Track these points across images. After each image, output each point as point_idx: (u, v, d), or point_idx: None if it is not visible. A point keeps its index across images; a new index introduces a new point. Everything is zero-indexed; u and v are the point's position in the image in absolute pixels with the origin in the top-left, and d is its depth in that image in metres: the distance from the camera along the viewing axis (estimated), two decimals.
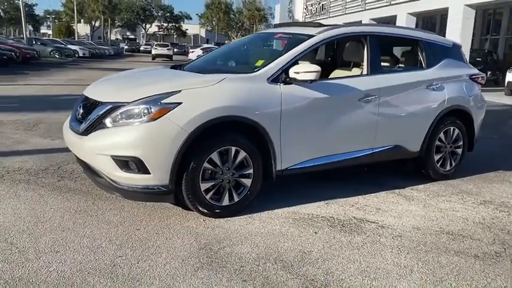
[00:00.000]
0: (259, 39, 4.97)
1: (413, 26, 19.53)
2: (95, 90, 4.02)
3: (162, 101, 3.43)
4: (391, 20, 20.87)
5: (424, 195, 4.59)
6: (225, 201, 3.70)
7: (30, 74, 17.34)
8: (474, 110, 5.18)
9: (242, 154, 3.70)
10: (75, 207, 3.82)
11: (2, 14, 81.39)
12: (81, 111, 3.84)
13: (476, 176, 5.35)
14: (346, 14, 26.38)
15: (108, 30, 79.46)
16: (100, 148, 3.48)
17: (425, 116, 4.75)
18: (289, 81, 3.87)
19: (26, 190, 4.18)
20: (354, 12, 25.27)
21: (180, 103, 3.43)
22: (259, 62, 4.06)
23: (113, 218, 3.62)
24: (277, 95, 3.80)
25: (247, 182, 3.78)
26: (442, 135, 4.96)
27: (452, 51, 5.20)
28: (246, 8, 73.96)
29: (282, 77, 3.87)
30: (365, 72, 4.46)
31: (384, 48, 4.78)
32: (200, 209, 3.62)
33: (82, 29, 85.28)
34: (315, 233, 3.54)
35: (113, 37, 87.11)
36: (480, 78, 5.34)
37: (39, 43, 31.25)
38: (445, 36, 6.90)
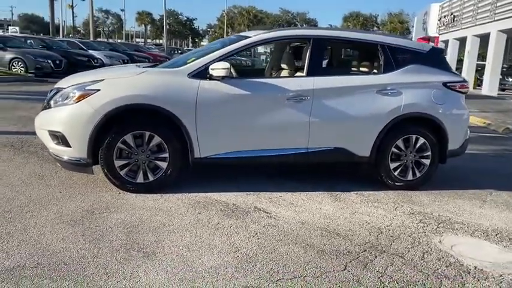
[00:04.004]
0: (226, 41, 5.34)
1: None
2: (64, 79, 4.90)
3: (86, 88, 4.14)
4: None
5: (359, 199, 4.53)
6: (140, 179, 4.25)
7: None
8: (447, 120, 4.85)
9: (157, 139, 4.21)
10: (39, 172, 4.73)
11: (167, 27, 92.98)
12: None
13: (452, 191, 4.98)
14: (476, 25, 24.38)
15: None
16: (42, 123, 4.33)
17: (373, 120, 4.64)
18: (209, 77, 4.27)
19: (22, 158, 5.25)
20: (482, 24, 23.25)
21: (99, 90, 4.10)
22: (191, 60, 4.51)
23: (53, 182, 4.44)
24: (193, 89, 4.23)
25: (163, 164, 4.28)
26: (400, 142, 4.77)
27: (426, 57, 4.93)
28: (389, 21, 72.17)
29: (205, 73, 4.29)
30: (304, 73, 4.60)
31: (334, 52, 4.80)
32: (114, 182, 4.23)
33: None
34: (199, 213, 3.88)
35: (262, 50, 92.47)
36: (459, 86, 4.97)
37: (179, 52, 34.95)
38: None
